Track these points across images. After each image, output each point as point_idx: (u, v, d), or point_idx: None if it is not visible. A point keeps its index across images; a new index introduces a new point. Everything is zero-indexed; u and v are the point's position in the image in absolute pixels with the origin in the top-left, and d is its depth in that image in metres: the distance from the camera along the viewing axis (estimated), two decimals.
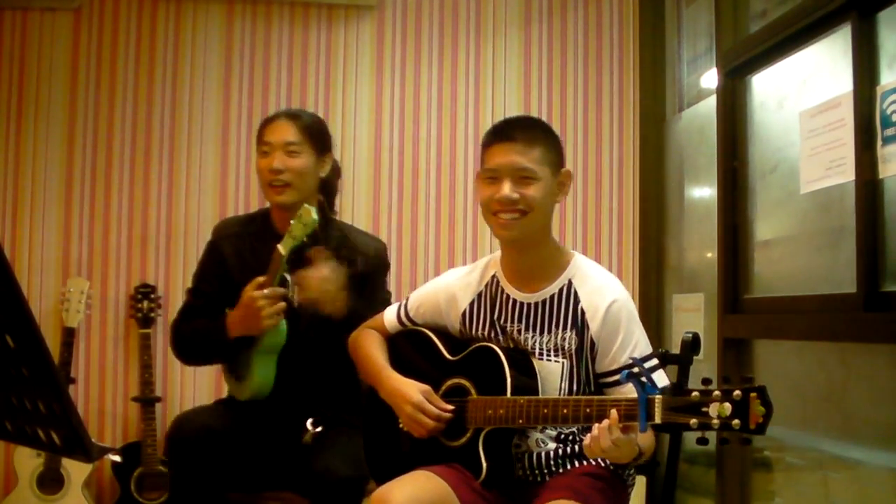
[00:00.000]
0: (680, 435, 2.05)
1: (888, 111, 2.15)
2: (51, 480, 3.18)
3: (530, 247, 1.96)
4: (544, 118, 3.62)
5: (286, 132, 2.39)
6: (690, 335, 2.05)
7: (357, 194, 3.61)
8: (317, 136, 2.44)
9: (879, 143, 2.18)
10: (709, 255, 3.20)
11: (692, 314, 3.27)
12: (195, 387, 3.46)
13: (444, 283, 2.12)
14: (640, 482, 2.63)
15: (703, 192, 3.37)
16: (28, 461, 3.19)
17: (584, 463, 1.91)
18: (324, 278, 2.26)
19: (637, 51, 3.74)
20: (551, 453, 1.91)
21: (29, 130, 3.47)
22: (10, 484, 3.26)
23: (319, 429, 2.32)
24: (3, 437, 1.25)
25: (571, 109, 3.72)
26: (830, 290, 2.40)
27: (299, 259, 2.30)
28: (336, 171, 2.59)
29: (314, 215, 2.22)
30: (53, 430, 1.16)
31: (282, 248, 2.25)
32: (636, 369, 1.61)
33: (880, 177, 2.19)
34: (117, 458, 3.21)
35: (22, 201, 3.45)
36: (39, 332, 1.10)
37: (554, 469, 1.91)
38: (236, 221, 2.61)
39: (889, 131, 2.15)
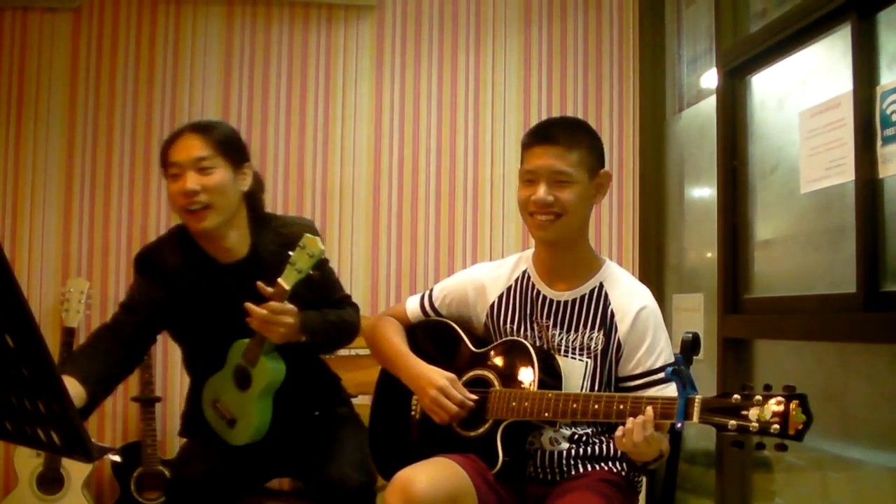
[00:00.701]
0: (680, 435, 2.05)
1: (888, 111, 2.15)
2: (51, 480, 3.18)
3: (565, 247, 1.99)
4: (544, 118, 3.63)
5: (194, 148, 2.13)
6: (690, 335, 2.05)
7: (357, 194, 3.61)
8: (230, 147, 2.19)
9: (879, 142, 2.18)
10: (709, 255, 3.19)
11: (692, 314, 3.27)
12: None
13: (473, 275, 2.14)
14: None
15: (703, 192, 3.37)
16: (28, 461, 3.18)
17: (598, 467, 1.93)
18: (273, 319, 2.09)
19: (637, 51, 3.74)
20: (564, 453, 1.92)
21: (29, 130, 3.47)
22: (10, 484, 3.26)
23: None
24: (3, 438, 1.25)
25: (571, 110, 3.71)
26: (830, 290, 2.39)
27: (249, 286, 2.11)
28: (259, 185, 2.33)
29: (321, 246, 2.07)
30: (53, 430, 1.16)
31: (285, 284, 2.07)
32: (679, 369, 1.65)
33: (880, 177, 2.19)
34: (117, 459, 3.21)
35: (22, 201, 3.46)
36: (39, 332, 1.10)
37: (566, 469, 1.92)
38: (163, 253, 2.26)
39: (889, 131, 2.15)
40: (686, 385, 1.64)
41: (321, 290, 2.27)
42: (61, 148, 3.48)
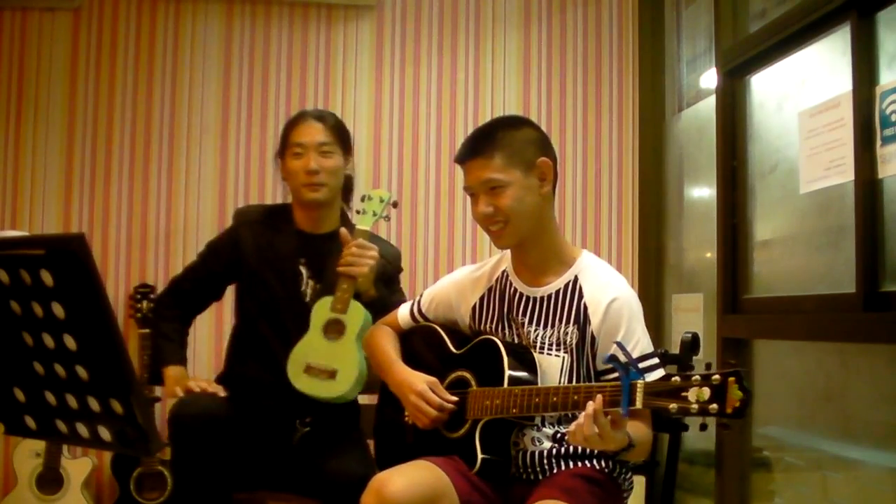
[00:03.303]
0: (679, 434, 2.05)
1: (887, 111, 2.15)
2: (50, 480, 3.18)
3: (531, 245, 1.98)
4: (544, 118, 3.64)
5: (317, 133, 2.41)
6: (690, 335, 2.05)
7: (357, 194, 3.59)
8: (344, 135, 2.48)
9: (879, 142, 2.18)
10: (708, 254, 3.19)
11: (691, 314, 3.27)
12: None
13: (455, 279, 2.16)
14: (640, 482, 2.64)
15: (703, 192, 3.37)
16: (27, 461, 3.18)
17: (580, 464, 1.91)
18: (362, 253, 2.29)
19: (636, 51, 3.74)
20: (545, 452, 1.91)
21: (28, 130, 3.47)
22: (10, 484, 3.26)
23: (307, 429, 2.34)
24: (26, 434, 1.25)
25: (571, 109, 3.71)
26: (830, 290, 2.39)
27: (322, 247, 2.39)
28: (351, 176, 2.60)
29: (387, 190, 2.35)
30: (105, 426, 1.15)
31: (363, 225, 2.31)
32: (621, 355, 1.64)
33: (879, 177, 2.19)
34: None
35: (21, 201, 3.46)
36: (119, 332, 1.10)
37: (548, 468, 1.91)
38: (258, 210, 2.59)
39: (888, 131, 2.15)
40: (629, 370, 1.62)
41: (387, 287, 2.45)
42: (61, 147, 3.48)
